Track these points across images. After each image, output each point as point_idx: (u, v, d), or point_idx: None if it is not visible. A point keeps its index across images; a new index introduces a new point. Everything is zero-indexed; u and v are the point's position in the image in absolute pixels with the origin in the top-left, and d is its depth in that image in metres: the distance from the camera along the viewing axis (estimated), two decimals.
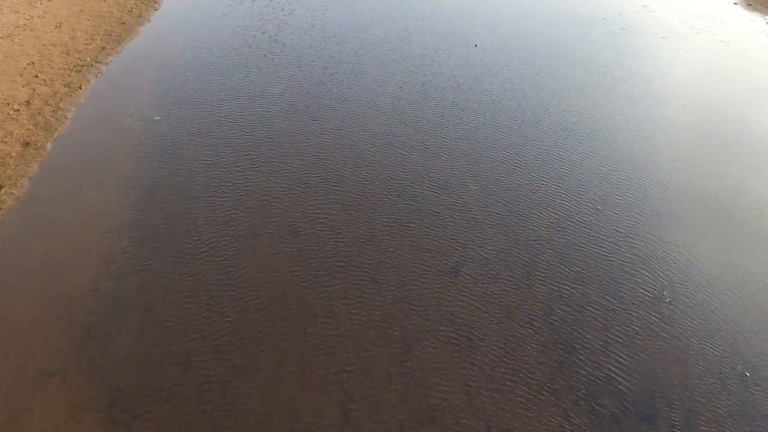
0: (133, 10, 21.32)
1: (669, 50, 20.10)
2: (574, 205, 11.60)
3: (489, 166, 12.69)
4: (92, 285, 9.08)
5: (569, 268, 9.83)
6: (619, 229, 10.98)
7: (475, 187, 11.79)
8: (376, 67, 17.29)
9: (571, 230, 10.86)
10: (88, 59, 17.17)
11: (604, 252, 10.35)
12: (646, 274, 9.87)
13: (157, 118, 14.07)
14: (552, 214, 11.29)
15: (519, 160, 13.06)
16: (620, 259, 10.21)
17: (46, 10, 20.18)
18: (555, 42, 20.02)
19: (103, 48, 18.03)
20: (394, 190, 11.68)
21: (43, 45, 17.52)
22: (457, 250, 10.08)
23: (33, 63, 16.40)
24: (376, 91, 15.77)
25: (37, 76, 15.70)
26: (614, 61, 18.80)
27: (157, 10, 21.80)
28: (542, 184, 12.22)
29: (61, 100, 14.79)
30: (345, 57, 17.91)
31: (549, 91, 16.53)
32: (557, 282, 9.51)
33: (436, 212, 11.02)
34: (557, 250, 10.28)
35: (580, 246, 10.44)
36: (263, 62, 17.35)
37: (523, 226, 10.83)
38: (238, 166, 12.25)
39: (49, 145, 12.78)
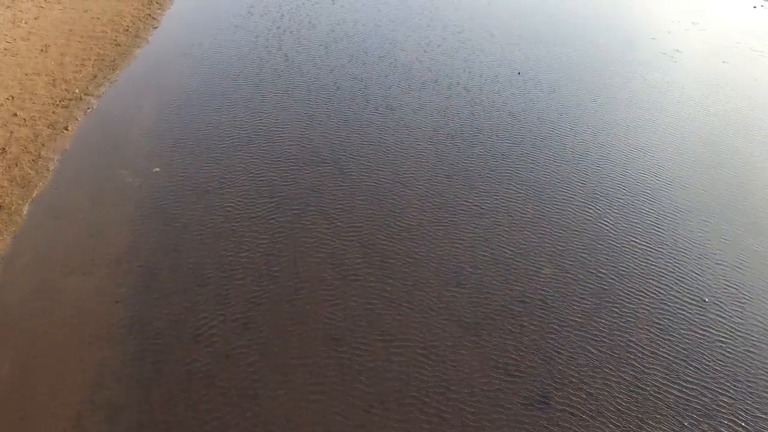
0: (130, 29, 19.06)
1: (735, 78, 17.94)
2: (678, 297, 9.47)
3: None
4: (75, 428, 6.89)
5: None
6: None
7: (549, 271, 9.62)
8: (417, 120, 15.10)
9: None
10: (77, 91, 14.92)
11: None
12: None
13: (157, 169, 11.86)
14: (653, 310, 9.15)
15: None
16: None
17: (31, 30, 17.91)
18: (608, 70, 17.84)
19: (95, 76, 15.77)
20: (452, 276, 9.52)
21: (26, 74, 15.25)
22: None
23: (13, 97, 14.15)
24: (416, 141, 13.59)
25: (16, 114, 13.45)
26: (682, 94, 16.62)
27: (155, 28, 19.54)
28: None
29: (43, 145, 12.55)
30: (374, 86, 15.71)
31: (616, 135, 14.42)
32: None
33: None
34: None
35: None
36: (279, 92, 15.14)
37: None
38: (255, 239, 10.06)
39: (25, 209, 10.56)
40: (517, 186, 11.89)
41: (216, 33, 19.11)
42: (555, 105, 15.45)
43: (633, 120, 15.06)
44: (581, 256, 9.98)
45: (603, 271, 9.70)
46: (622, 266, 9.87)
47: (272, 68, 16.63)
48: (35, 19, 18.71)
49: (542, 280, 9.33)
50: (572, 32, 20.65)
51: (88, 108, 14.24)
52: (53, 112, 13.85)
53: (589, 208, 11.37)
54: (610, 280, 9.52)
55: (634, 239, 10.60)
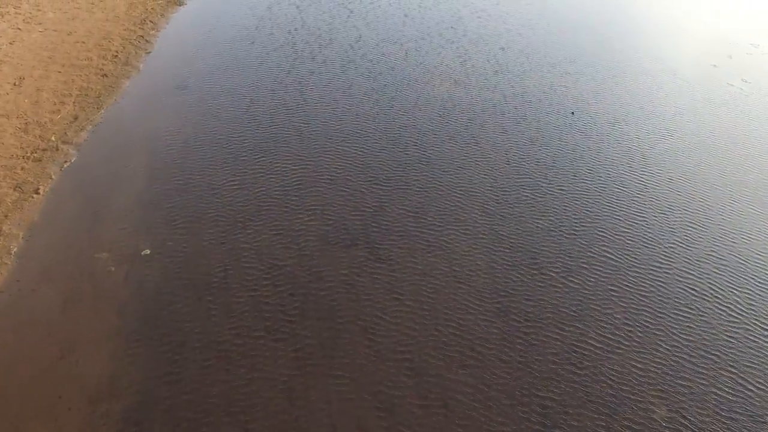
0: (119, 56, 16.64)
1: None
2: None
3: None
4: None
5: None
6: None
7: (663, 413, 7.28)
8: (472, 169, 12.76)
9: None
10: (53, 138, 12.52)
11: None
12: None
13: (146, 252, 9.50)
14: None
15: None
16: None
17: (4, 58, 15.47)
18: (673, 107, 15.49)
19: (76, 118, 13.36)
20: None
21: None
22: None
23: None
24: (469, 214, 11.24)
25: None
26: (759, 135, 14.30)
27: (148, 53, 17.12)
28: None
29: (6, 216, 10.16)
30: (405, 130, 13.37)
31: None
32: None
33: None
34: None
35: None
36: (293, 141, 12.76)
37: None
38: (274, 366, 7.69)
39: None
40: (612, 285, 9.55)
41: (217, 60, 16.70)
42: (618, 162, 13.13)
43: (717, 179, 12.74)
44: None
45: None
46: None
47: (283, 107, 14.24)
48: (10, 44, 16.28)
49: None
50: (623, 57, 18.29)
51: (65, 161, 11.85)
52: (22, 168, 11.47)
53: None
54: None
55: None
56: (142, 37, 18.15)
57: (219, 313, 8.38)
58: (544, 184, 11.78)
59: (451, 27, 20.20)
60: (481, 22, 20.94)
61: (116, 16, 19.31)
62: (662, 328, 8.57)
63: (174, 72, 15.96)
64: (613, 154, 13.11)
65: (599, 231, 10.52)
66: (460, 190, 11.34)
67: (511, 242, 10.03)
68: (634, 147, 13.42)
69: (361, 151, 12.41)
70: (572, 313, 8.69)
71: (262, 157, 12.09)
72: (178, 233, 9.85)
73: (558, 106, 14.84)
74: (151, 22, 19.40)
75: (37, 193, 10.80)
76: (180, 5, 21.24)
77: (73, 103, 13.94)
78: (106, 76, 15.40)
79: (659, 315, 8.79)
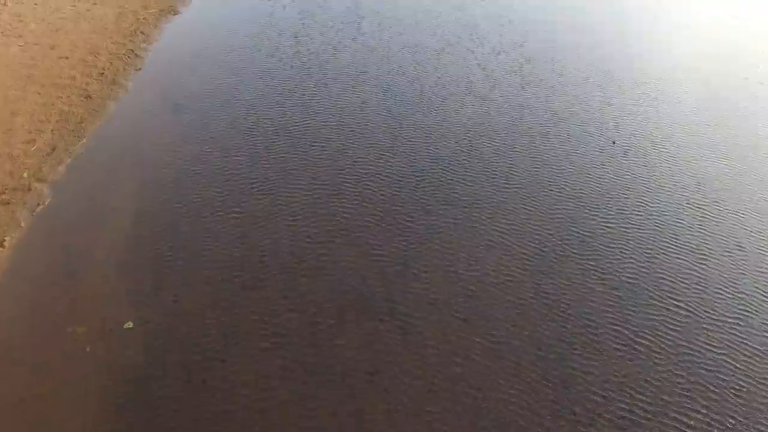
0: (105, 73, 15.04)
1: None
2: None
3: None
4: None
5: None
6: None
7: None
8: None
9: None
10: (26, 175, 10.94)
11: None
12: None
13: (129, 325, 7.95)
14: None
15: None
16: None
17: None
18: (727, 134, 14.02)
19: (53, 149, 11.78)
20: None
21: None
22: None
23: None
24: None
25: None
26: None
27: (138, 70, 15.54)
28: None
29: None
30: (430, 172, 11.85)
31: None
32: None
33: None
34: None
35: None
36: (298, 177, 11.22)
37: None
38: None
39: None
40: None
41: (214, 76, 15.13)
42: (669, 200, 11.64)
43: None
44: None
45: None
46: None
47: (288, 136, 12.70)
48: None
49: None
50: (657, 75, 16.81)
51: (39, 204, 10.27)
52: None
53: None
54: None
55: None
56: (132, 51, 16.56)
57: (214, 412, 6.83)
58: (597, 233, 10.25)
59: (470, 33, 18.67)
60: (502, 28, 19.41)
61: (104, 27, 17.72)
62: None
63: (166, 91, 14.38)
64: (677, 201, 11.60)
65: (664, 299, 9.00)
66: (497, 243, 9.80)
67: (562, 311, 8.50)
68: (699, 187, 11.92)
69: (379, 193, 10.84)
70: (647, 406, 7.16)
71: (267, 199, 10.52)
72: (167, 302, 8.29)
73: (597, 131, 13.34)
74: (142, 33, 17.82)
75: (2, 246, 9.22)
76: (174, 14, 19.67)
77: (52, 130, 12.36)
78: (91, 97, 13.81)
79: None
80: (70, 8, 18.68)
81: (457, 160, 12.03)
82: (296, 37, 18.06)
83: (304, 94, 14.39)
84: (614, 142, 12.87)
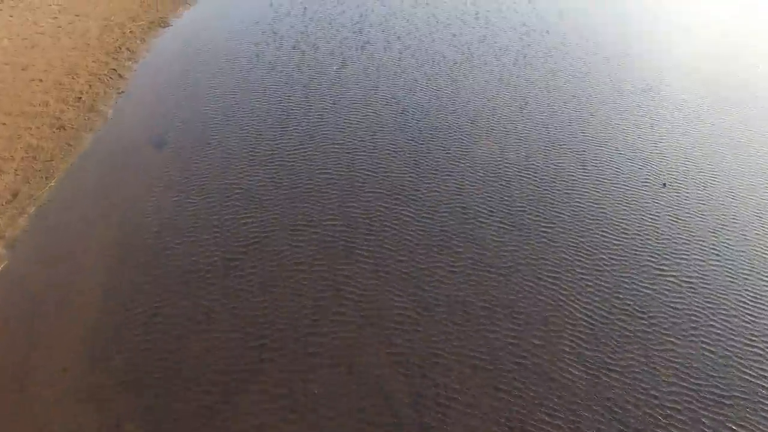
0: (83, 98, 13.35)
1: None
2: None
3: None
4: None
5: None
6: None
7: None
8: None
9: None
10: None
11: None
12: None
13: None
14: None
15: None
16: None
17: None
18: None
19: (15, 195, 10.08)
20: None
21: None
22: None
23: None
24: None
25: None
26: None
27: (120, 93, 13.84)
28: None
29: None
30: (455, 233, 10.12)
31: None
32: None
33: None
34: None
35: None
36: (298, 233, 9.53)
37: None
38: None
39: None
40: None
41: (206, 101, 13.43)
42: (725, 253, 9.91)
43: None
44: None
45: None
46: None
47: (288, 177, 11.01)
48: None
49: None
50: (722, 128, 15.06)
51: None
52: None
53: None
54: None
55: None
56: (115, 70, 14.87)
57: None
58: (656, 314, 8.53)
59: (483, 38, 16.91)
60: (523, 40, 17.66)
61: (86, 42, 16.04)
62: None
63: (150, 119, 12.68)
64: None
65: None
66: (539, 321, 8.08)
67: (631, 415, 6.78)
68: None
69: (397, 256, 9.13)
70: None
71: (262, 263, 8.82)
72: (145, 403, 6.60)
73: (644, 171, 11.61)
74: (128, 50, 16.12)
75: None
76: (165, 26, 17.97)
77: (15, 171, 10.69)
78: (64, 128, 12.13)
79: None
80: (50, 21, 17.01)
81: (485, 214, 10.31)
82: (296, 50, 16.34)
83: (307, 127, 12.67)
84: (664, 185, 11.13)
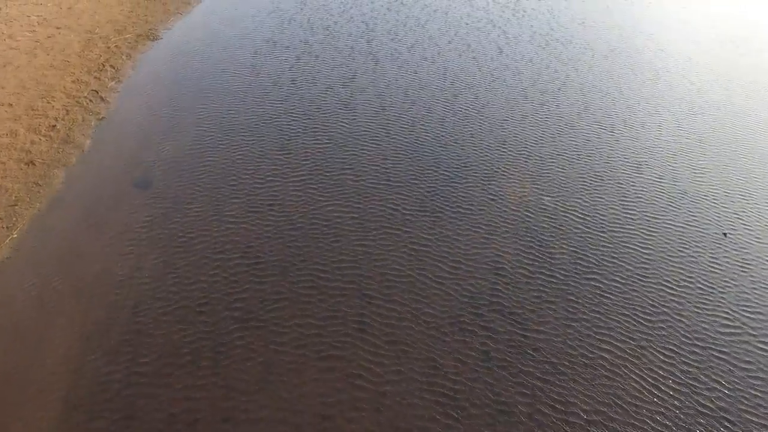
0: (58, 126, 11.80)
1: None
2: None
3: None
4: None
5: None
6: None
7: None
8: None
9: None
10: None
11: None
12: None
13: None
14: None
15: None
16: None
17: None
18: None
19: None
20: None
21: None
22: None
23: None
24: None
25: None
26: None
27: (101, 120, 12.29)
28: None
29: None
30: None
31: None
32: None
33: None
34: None
35: None
36: (300, 300, 8.00)
37: None
38: None
39: None
40: None
41: (196, 130, 11.88)
42: None
43: None
44: None
45: None
46: None
47: (289, 228, 9.47)
48: None
49: None
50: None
51: None
52: None
53: None
54: None
55: None
56: (97, 92, 13.31)
57: None
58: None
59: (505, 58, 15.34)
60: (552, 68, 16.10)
61: (66, 60, 14.47)
62: None
63: (134, 153, 11.13)
64: None
65: None
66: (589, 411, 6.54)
67: None
68: None
69: (414, 333, 7.60)
70: None
71: (259, 343, 7.27)
72: None
73: (709, 224, 10.04)
74: (111, 67, 14.56)
75: None
76: (153, 40, 16.41)
77: None
78: (33, 163, 10.58)
79: None
80: (27, 35, 15.45)
81: (520, 280, 8.76)
82: (299, 69, 14.79)
83: (313, 161, 11.13)
84: (725, 235, 9.59)
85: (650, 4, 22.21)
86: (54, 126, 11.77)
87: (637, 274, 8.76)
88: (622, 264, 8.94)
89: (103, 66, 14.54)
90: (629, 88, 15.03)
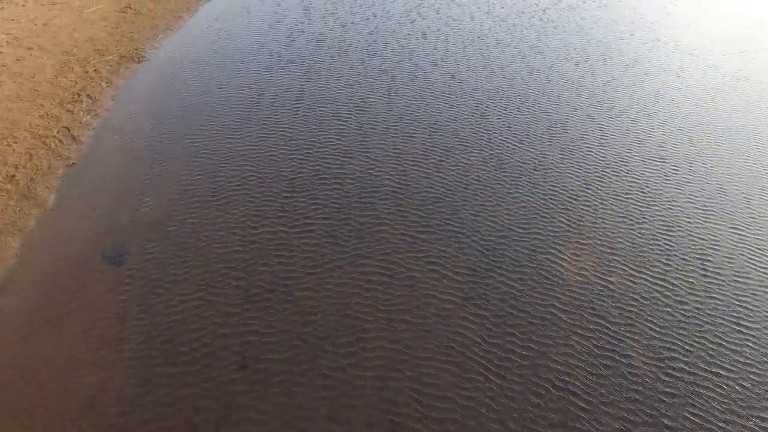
0: (17, 175, 9.82)
1: None
2: None
3: None
4: None
5: None
6: None
7: None
8: None
9: None
10: None
11: None
12: None
13: None
14: None
15: None
16: None
17: None
18: None
19: None
20: None
21: None
22: None
23: None
24: None
25: None
26: None
27: (70, 166, 10.32)
28: None
29: None
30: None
31: None
32: None
33: None
34: None
35: None
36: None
37: None
38: None
39: None
40: None
41: (185, 182, 9.92)
42: None
43: None
44: None
45: None
46: None
47: (299, 329, 7.53)
48: None
49: None
50: None
51: None
52: None
53: None
54: None
55: None
56: (68, 129, 11.35)
57: None
58: None
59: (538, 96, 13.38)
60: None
61: (35, 88, 12.51)
62: None
63: (106, 212, 9.16)
64: None
65: None
66: None
67: None
68: None
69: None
70: None
71: None
72: None
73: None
74: (88, 97, 12.59)
75: None
76: (138, 62, 14.44)
77: None
78: None
79: None
80: None
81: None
82: (304, 101, 12.84)
83: (314, 232, 9.17)
84: None
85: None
86: (13, 176, 9.80)
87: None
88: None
89: (79, 95, 12.56)
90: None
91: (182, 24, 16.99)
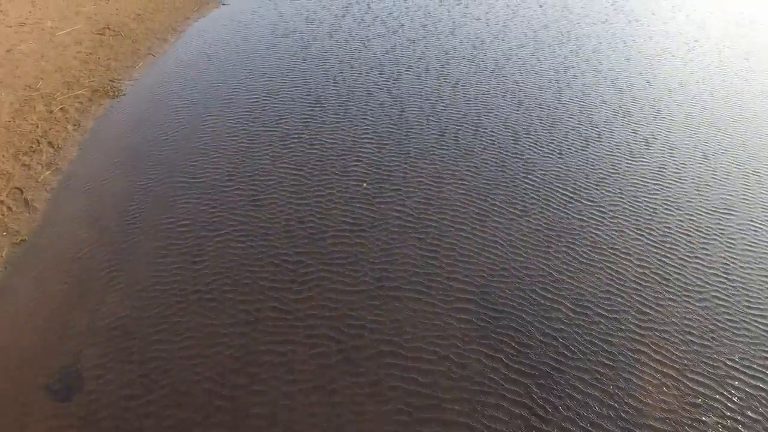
0: None
1: None
2: None
3: None
4: None
5: None
6: None
7: None
8: None
9: None
10: None
11: None
12: None
13: None
14: None
15: None
16: None
17: None
18: None
19: None
20: None
21: None
22: None
23: None
24: None
25: None
26: None
27: (19, 243, 8.36)
28: None
29: None
30: None
31: None
32: None
33: None
34: None
35: None
36: None
37: None
38: None
39: None
40: None
41: (160, 271, 8.01)
42: None
43: None
44: None
45: None
46: None
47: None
48: None
49: None
50: None
51: None
52: None
53: None
54: None
55: None
56: (21, 191, 9.40)
57: None
58: None
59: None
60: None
61: None
62: None
63: (58, 313, 7.22)
64: None
65: None
66: None
67: None
68: None
69: None
70: None
71: None
72: None
73: None
74: (50, 145, 10.66)
75: None
76: (113, 97, 12.51)
77: None
78: None
79: None
80: None
81: None
82: (307, 152, 10.94)
83: (322, 348, 7.28)
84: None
85: None
86: None
87: None
88: None
89: (38, 143, 10.62)
90: None
91: (167, 48, 15.06)
